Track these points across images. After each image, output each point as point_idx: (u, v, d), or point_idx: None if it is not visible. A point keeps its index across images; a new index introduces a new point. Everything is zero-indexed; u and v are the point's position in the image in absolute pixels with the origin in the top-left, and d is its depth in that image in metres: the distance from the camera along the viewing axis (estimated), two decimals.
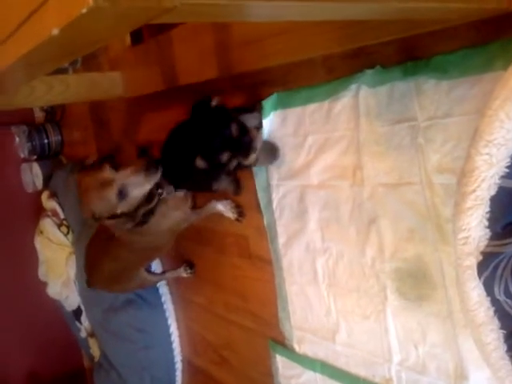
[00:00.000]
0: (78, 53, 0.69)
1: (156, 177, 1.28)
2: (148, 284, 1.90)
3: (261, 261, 1.53)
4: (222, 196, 1.59)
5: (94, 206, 1.26)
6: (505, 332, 0.80)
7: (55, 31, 0.46)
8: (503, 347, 0.80)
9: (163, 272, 2.00)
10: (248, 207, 1.53)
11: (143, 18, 0.46)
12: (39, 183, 2.58)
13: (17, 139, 2.58)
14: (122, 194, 1.24)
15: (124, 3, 0.40)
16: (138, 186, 1.26)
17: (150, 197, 1.34)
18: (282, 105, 1.35)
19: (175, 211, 1.49)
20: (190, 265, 1.89)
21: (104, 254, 1.63)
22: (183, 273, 1.90)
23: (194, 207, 1.61)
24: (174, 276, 1.94)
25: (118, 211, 1.27)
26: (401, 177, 1.09)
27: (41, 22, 0.49)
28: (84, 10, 0.40)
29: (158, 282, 2.00)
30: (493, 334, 0.81)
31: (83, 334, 2.43)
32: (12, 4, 0.55)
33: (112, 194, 1.24)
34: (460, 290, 0.84)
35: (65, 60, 0.77)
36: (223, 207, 1.57)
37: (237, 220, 1.56)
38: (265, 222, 1.46)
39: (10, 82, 0.94)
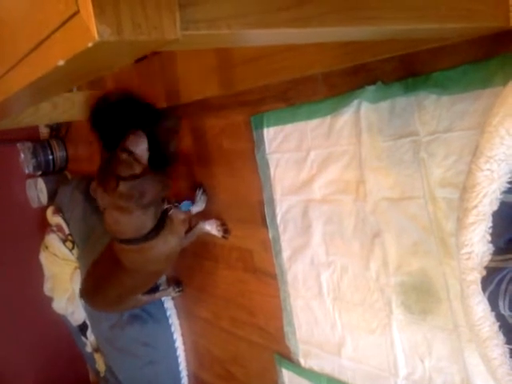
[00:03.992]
0: (82, 80, 0.71)
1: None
2: (140, 305, 1.94)
3: (266, 275, 1.54)
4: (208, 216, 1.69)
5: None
6: (510, 347, 0.80)
7: (61, 62, 0.47)
8: (509, 362, 0.80)
9: (154, 291, 1.97)
10: (253, 222, 1.53)
11: (147, 49, 0.47)
12: (44, 199, 2.59)
13: (22, 155, 2.61)
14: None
15: (128, 37, 0.41)
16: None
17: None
18: (284, 121, 1.36)
19: (174, 237, 1.51)
20: (178, 283, 1.96)
21: (108, 279, 1.65)
22: (172, 292, 1.96)
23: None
24: (164, 296, 1.99)
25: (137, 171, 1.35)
26: (403, 191, 1.09)
27: (47, 53, 0.51)
28: (90, 44, 0.42)
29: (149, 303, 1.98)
30: (498, 349, 0.81)
31: (89, 349, 2.43)
32: (21, 33, 0.57)
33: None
34: (464, 304, 0.84)
35: (69, 86, 0.78)
36: (210, 226, 1.66)
37: (223, 237, 1.65)
38: (270, 236, 1.47)
39: (15, 107, 0.96)
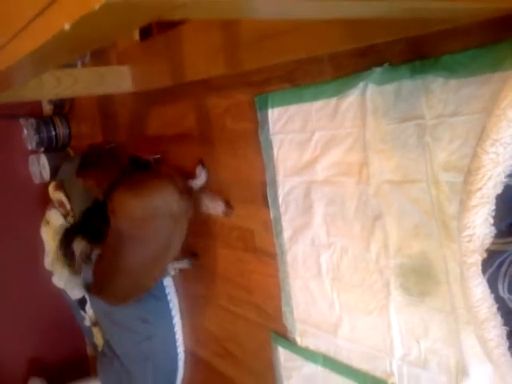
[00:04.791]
0: (88, 47, 0.70)
1: None
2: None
3: (266, 255, 1.54)
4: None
5: None
6: (507, 329, 0.81)
7: (67, 26, 0.47)
8: (505, 344, 0.81)
9: None
10: (255, 202, 1.53)
11: (154, 14, 0.47)
12: (46, 175, 2.60)
13: (25, 131, 2.61)
14: None
15: (135, 0, 0.41)
16: None
17: None
18: (288, 101, 1.35)
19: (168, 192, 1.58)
20: (193, 255, 1.91)
21: (116, 264, 1.64)
22: (186, 264, 1.92)
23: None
24: (179, 267, 1.95)
25: None
26: (407, 174, 1.09)
27: (53, 17, 0.50)
28: (96, 7, 0.41)
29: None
30: (495, 330, 0.81)
31: (87, 323, 2.46)
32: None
33: None
34: (464, 286, 0.85)
35: (74, 54, 0.78)
36: (211, 202, 1.69)
37: (225, 214, 1.66)
38: (271, 217, 1.47)
39: (19, 76, 0.95)
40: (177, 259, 1.92)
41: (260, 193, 1.50)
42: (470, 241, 0.82)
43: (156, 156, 1.81)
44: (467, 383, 1.05)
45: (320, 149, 1.29)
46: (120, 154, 1.76)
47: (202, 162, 1.71)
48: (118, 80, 1.79)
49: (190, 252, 1.91)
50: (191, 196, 1.64)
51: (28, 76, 0.99)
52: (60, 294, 2.56)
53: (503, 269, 0.78)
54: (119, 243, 1.60)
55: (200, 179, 1.69)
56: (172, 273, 1.98)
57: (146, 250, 1.61)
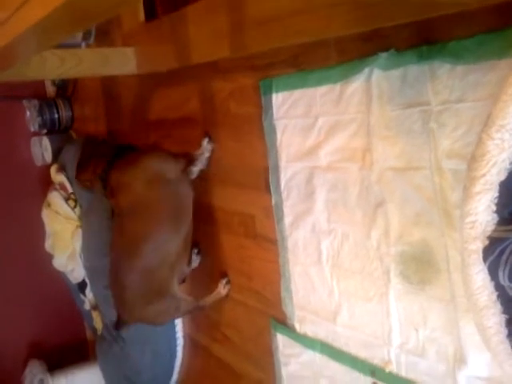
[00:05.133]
0: (89, 20, 0.69)
1: None
2: (183, 307, 1.71)
3: (266, 241, 1.54)
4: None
5: None
6: (507, 317, 0.81)
7: None
8: (504, 332, 0.81)
9: None
10: (256, 187, 1.53)
11: None
12: (48, 157, 2.60)
13: (28, 113, 2.60)
14: None
15: None
16: None
17: None
18: (293, 86, 1.34)
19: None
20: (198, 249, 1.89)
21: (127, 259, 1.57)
22: (195, 259, 1.88)
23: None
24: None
25: None
26: (410, 161, 1.09)
27: None
28: None
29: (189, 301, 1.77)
30: (494, 318, 0.81)
31: (87, 307, 2.47)
32: None
33: None
34: (464, 273, 0.84)
35: (77, 28, 0.77)
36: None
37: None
38: (272, 202, 1.47)
39: (21, 51, 0.94)
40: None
41: (262, 178, 1.50)
42: (472, 227, 0.82)
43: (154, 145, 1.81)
44: (465, 371, 1.05)
45: (324, 134, 1.28)
46: (108, 143, 1.78)
47: (208, 134, 1.68)
48: (123, 62, 1.78)
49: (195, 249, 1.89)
50: (189, 167, 1.64)
51: (31, 51, 0.98)
52: (60, 278, 2.57)
53: (504, 256, 0.78)
54: (126, 224, 1.57)
55: (205, 153, 1.67)
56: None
57: (152, 225, 1.56)
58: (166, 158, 1.61)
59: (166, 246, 1.56)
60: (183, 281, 1.73)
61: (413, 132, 1.07)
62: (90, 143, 1.90)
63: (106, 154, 1.67)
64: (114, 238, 1.63)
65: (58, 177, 2.37)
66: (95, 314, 2.45)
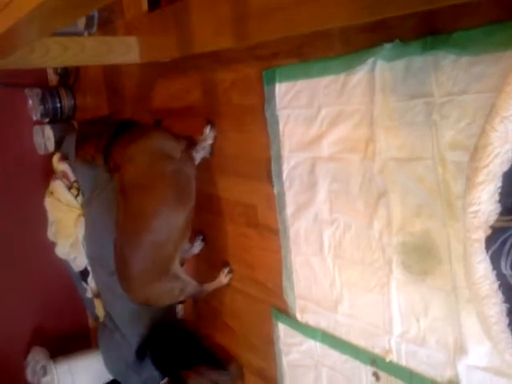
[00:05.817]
0: (89, 4, 0.69)
1: None
2: (186, 288, 1.70)
3: (268, 231, 1.55)
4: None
5: None
6: (508, 306, 0.81)
7: None
8: (505, 321, 0.82)
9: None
10: (259, 177, 1.54)
11: None
12: (51, 146, 2.60)
13: (30, 102, 2.60)
14: None
15: None
16: None
17: None
18: (296, 77, 1.34)
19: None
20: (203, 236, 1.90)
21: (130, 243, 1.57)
22: (198, 246, 1.90)
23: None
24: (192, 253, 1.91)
25: None
26: (413, 152, 1.09)
27: None
28: None
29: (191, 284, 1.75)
30: (496, 307, 0.82)
31: (89, 295, 2.48)
32: None
33: None
34: (466, 263, 0.85)
35: (77, 12, 0.76)
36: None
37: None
38: (275, 192, 1.48)
39: (23, 37, 0.94)
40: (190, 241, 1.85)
41: (264, 168, 1.50)
42: (475, 217, 0.82)
43: (157, 119, 1.80)
44: (465, 360, 1.06)
45: (326, 125, 1.28)
46: (110, 118, 1.78)
47: (210, 122, 1.69)
48: (125, 50, 1.77)
49: (199, 233, 1.90)
50: (192, 149, 1.65)
51: (32, 37, 0.98)
52: (62, 266, 2.58)
53: (507, 246, 0.78)
54: (131, 201, 1.56)
55: (207, 140, 1.68)
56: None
57: (158, 198, 1.55)
58: (169, 136, 1.61)
59: (171, 222, 1.55)
60: (182, 264, 1.73)
61: (416, 123, 1.07)
62: (88, 122, 1.88)
63: (104, 130, 1.66)
64: (119, 215, 1.60)
65: (60, 165, 2.38)
66: (97, 302, 2.46)
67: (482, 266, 0.83)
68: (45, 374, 2.63)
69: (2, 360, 2.78)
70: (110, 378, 2.53)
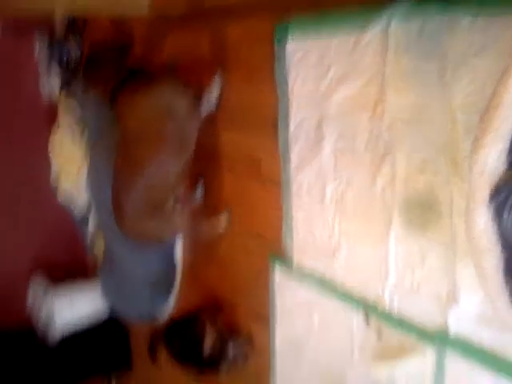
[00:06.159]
0: None
1: None
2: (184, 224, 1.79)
3: (271, 183, 1.59)
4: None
5: None
6: (505, 258, 0.87)
7: None
8: (501, 272, 0.88)
9: None
10: (265, 131, 1.56)
11: None
12: (56, 91, 2.58)
13: (37, 49, 2.56)
14: None
15: None
16: None
17: None
18: (308, 33, 1.35)
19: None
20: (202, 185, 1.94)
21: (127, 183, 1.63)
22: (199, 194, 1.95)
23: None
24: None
25: None
26: (423, 113, 1.12)
27: None
28: None
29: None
30: (493, 260, 0.88)
31: (90, 235, 2.53)
32: None
33: None
34: (468, 217, 0.90)
35: None
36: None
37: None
38: (280, 147, 1.51)
39: None
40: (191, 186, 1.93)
41: (270, 123, 1.52)
42: (482, 172, 0.87)
43: (171, 63, 1.78)
44: (456, 310, 1.12)
45: (336, 83, 1.30)
46: (121, 58, 1.75)
47: (219, 74, 1.69)
48: (134, 2, 1.75)
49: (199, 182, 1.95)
50: (199, 102, 1.66)
51: None
52: (64, 206, 2.61)
53: (509, 201, 0.83)
54: (130, 148, 1.61)
55: (214, 91, 1.69)
56: None
57: (155, 151, 1.60)
58: (177, 87, 1.62)
59: (165, 170, 1.63)
60: (189, 212, 1.77)
61: (428, 84, 1.09)
62: (101, 50, 1.84)
63: (116, 70, 1.66)
64: (118, 159, 1.67)
65: (67, 101, 2.36)
66: (97, 242, 2.50)
67: (483, 221, 0.88)
68: (45, 299, 2.73)
69: (6, 284, 2.85)
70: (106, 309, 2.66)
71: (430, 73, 1.09)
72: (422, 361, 1.23)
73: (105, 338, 2.96)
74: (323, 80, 1.34)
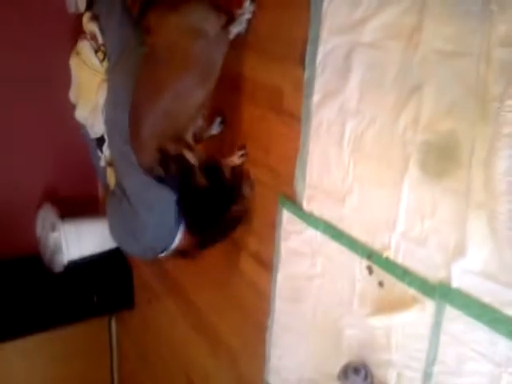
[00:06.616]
0: None
1: None
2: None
3: (290, 117, 1.52)
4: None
5: None
6: None
7: None
8: None
9: None
10: (290, 59, 1.48)
11: None
12: (82, 4, 2.51)
13: None
14: None
15: None
16: None
17: None
18: None
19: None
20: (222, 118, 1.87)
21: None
22: (216, 127, 1.88)
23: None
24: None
25: None
26: (459, 45, 1.02)
27: None
28: None
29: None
30: (509, 205, 0.81)
31: (102, 163, 2.52)
32: None
33: None
34: (489, 159, 0.83)
35: None
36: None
37: None
38: (305, 77, 1.43)
39: None
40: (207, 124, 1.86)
41: (298, 51, 1.44)
42: (510, 111, 0.79)
43: None
44: (461, 263, 1.06)
45: (373, 7, 1.20)
46: None
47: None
48: None
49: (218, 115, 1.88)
50: (229, 24, 1.58)
51: None
52: (79, 131, 2.60)
53: None
54: (155, 68, 1.55)
55: (246, 14, 1.60)
56: None
57: (180, 74, 1.54)
58: (208, 8, 1.54)
59: (187, 97, 1.56)
60: (199, 142, 1.73)
61: (470, 13, 0.99)
62: None
63: None
64: (140, 78, 1.60)
65: (90, 26, 2.30)
66: (109, 171, 2.50)
67: (505, 163, 0.81)
68: (53, 230, 2.76)
69: (15, 211, 2.90)
70: (113, 245, 2.64)
71: (475, 0, 0.98)
72: (421, 313, 1.18)
73: (109, 273, 3.01)
74: (360, 4, 1.24)
